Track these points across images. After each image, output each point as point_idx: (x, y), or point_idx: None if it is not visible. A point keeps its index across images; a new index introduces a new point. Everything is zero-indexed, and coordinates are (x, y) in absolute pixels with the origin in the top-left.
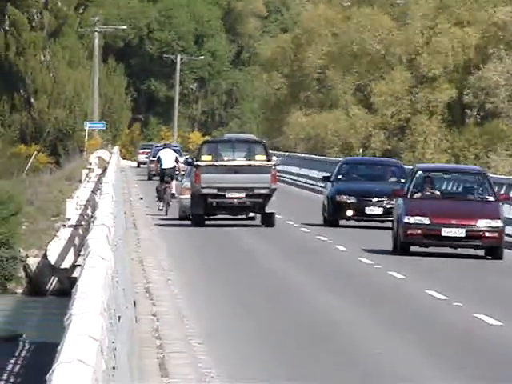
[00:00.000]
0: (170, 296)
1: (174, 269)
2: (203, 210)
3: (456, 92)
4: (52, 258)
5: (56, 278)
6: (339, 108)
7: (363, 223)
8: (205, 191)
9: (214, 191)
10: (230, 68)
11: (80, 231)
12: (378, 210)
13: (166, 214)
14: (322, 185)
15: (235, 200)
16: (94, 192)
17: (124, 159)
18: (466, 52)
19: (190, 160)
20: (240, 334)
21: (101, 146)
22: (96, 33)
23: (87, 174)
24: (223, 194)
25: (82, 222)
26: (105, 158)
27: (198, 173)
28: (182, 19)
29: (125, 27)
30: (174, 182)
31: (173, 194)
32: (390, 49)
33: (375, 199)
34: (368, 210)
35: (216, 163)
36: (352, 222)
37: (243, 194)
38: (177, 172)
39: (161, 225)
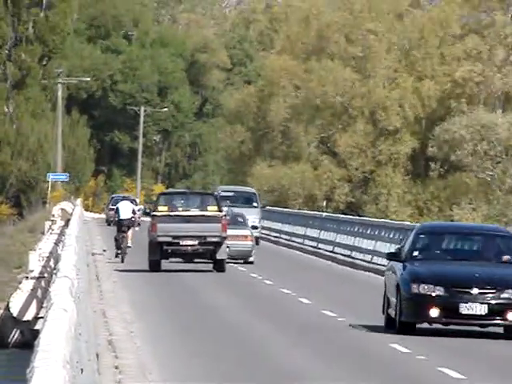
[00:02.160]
0: (132, 348)
1: (137, 321)
2: (159, 256)
3: (419, 144)
4: (14, 310)
5: (18, 331)
6: (303, 160)
7: (453, 326)
8: (160, 239)
9: (169, 239)
10: (193, 120)
11: (43, 283)
12: (480, 309)
13: (122, 262)
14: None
15: (189, 247)
16: (56, 244)
17: (87, 211)
18: (428, 105)
19: (147, 211)
20: None
21: (64, 198)
22: (59, 84)
23: (50, 226)
24: (178, 241)
25: (45, 274)
26: (68, 209)
27: (154, 222)
28: (146, 71)
29: (88, 79)
30: (130, 232)
31: (129, 247)
32: (352, 101)
33: (475, 291)
34: (464, 309)
35: (171, 213)
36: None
37: (196, 242)
38: (133, 222)
39: (122, 272)
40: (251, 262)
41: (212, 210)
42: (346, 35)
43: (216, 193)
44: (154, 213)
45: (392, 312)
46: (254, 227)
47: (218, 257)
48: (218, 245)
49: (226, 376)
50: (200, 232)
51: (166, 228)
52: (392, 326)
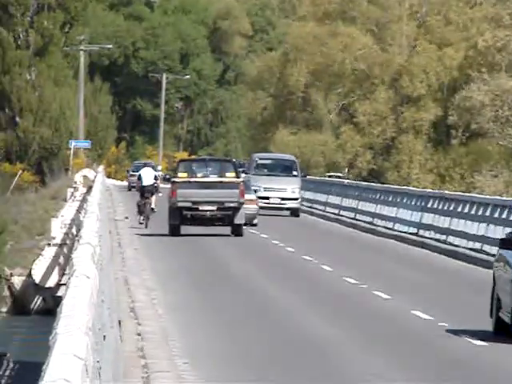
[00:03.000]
0: (154, 315)
1: (159, 288)
2: (179, 221)
3: (441, 111)
4: (37, 277)
5: (41, 297)
6: (325, 127)
7: None
8: (180, 204)
9: (189, 204)
10: (215, 87)
11: (65, 250)
12: None
13: (146, 227)
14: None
15: (207, 212)
16: (79, 211)
17: (109, 178)
18: (449, 73)
19: (168, 177)
20: (224, 355)
21: (86, 165)
22: (81, 51)
23: (72, 193)
24: (197, 207)
25: (67, 241)
26: (90, 176)
27: (174, 188)
28: (168, 38)
29: (110, 46)
30: (153, 197)
31: (152, 209)
32: (373, 68)
33: None
34: None
35: (191, 179)
36: None
37: (215, 207)
38: (156, 188)
39: (143, 236)
40: (255, 225)
41: (230, 176)
42: None
43: (253, 159)
44: (174, 179)
45: (505, 316)
46: (294, 198)
47: (236, 221)
48: (236, 210)
49: (246, 344)
50: (218, 197)
51: (185, 194)
52: (503, 332)
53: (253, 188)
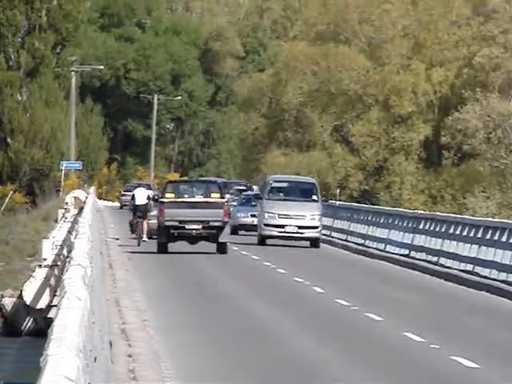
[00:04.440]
0: (145, 337)
1: (150, 309)
2: (166, 239)
3: (432, 131)
4: (28, 299)
5: (32, 319)
6: (317, 148)
7: None
8: (168, 223)
9: (176, 223)
10: (206, 108)
11: (56, 271)
12: None
13: (138, 245)
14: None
15: (193, 231)
16: (70, 232)
17: (100, 199)
18: (440, 91)
19: (156, 197)
20: (216, 378)
21: (77, 186)
22: (73, 72)
23: (63, 214)
24: (183, 225)
25: (58, 262)
26: (81, 198)
27: (162, 208)
28: (159, 59)
29: (102, 67)
30: (145, 223)
31: (144, 240)
32: (367, 89)
33: None
34: None
35: (177, 200)
36: None
37: (200, 226)
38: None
39: (133, 255)
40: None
41: (215, 196)
42: (360, 17)
43: (268, 182)
44: (162, 199)
45: None
46: (313, 227)
47: (221, 240)
48: (221, 229)
49: (239, 365)
50: (204, 217)
51: (172, 213)
52: None
53: (266, 215)
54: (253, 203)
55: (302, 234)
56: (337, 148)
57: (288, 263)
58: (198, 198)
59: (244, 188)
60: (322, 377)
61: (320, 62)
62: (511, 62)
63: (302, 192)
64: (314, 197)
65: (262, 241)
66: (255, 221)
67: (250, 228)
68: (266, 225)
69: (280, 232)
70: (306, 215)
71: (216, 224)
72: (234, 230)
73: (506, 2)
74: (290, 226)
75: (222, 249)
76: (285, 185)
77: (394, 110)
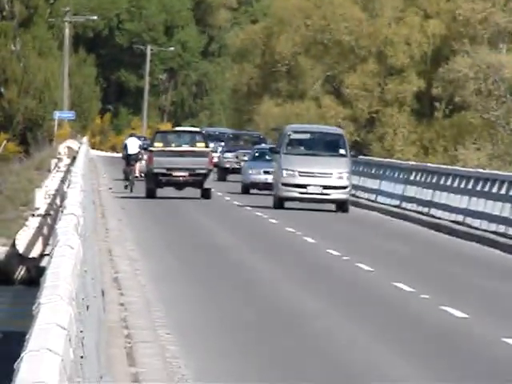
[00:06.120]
0: (138, 285)
1: (142, 258)
2: (155, 185)
3: (424, 84)
4: (20, 248)
5: (24, 267)
6: (309, 98)
7: None
8: (156, 170)
9: (164, 171)
10: (199, 59)
11: (49, 220)
12: None
13: (131, 192)
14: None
15: (180, 178)
16: (63, 181)
17: (93, 149)
18: (434, 43)
19: (145, 146)
20: (207, 325)
21: (70, 136)
22: (66, 23)
23: (56, 164)
24: (171, 172)
25: (51, 212)
26: (74, 147)
27: (151, 156)
28: (152, 10)
29: (95, 17)
30: (137, 165)
31: (136, 177)
32: (360, 41)
33: None
34: None
35: (165, 149)
36: None
37: (186, 173)
38: (140, 156)
39: (126, 198)
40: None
41: (200, 146)
42: None
43: (285, 132)
44: (151, 148)
45: None
46: (341, 187)
47: (205, 186)
48: (205, 176)
49: (230, 314)
50: (190, 165)
51: (160, 161)
52: None
53: (284, 173)
54: (267, 158)
55: (327, 195)
56: (326, 99)
57: (281, 214)
58: (185, 147)
59: (257, 140)
60: (314, 327)
61: (313, 13)
62: (499, 15)
63: (327, 145)
64: (342, 151)
65: (280, 203)
66: (269, 178)
67: (264, 187)
68: (284, 184)
69: (301, 193)
70: (332, 173)
71: (201, 171)
72: (245, 189)
73: None
74: (314, 186)
75: (206, 194)
76: (306, 136)
77: (389, 62)
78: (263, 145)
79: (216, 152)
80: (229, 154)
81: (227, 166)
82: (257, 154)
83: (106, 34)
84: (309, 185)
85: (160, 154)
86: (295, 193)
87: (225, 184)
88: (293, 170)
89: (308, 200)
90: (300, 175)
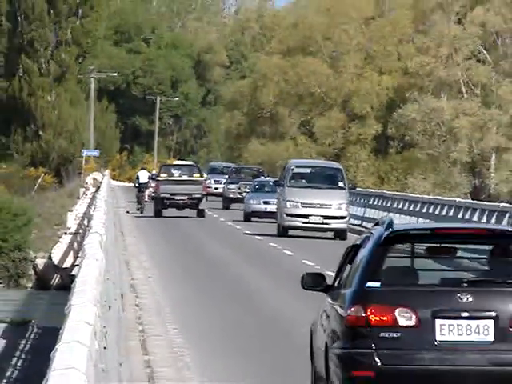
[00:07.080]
0: (150, 290)
1: (154, 268)
2: (161, 207)
3: (381, 126)
4: (55, 259)
5: (59, 276)
6: (288, 138)
7: None
8: (162, 195)
9: (168, 195)
10: (199, 107)
11: (78, 238)
12: None
13: (142, 213)
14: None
15: (181, 201)
16: (89, 206)
17: (114, 180)
18: (388, 94)
19: (153, 176)
20: (212, 327)
21: (95, 170)
22: (92, 78)
23: (84, 192)
24: (173, 197)
25: (80, 230)
26: (98, 179)
27: (158, 184)
28: (161, 68)
29: (115, 74)
30: (146, 192)
31: (146, 201)
32: (328, 92)
33: None
34: None
35: (169, 178)
36: None
37: (185, 197)
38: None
39: (139, 220)
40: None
41: (196, 176)
42: (323, 35)
43: (288, 167)
44: (158, 178)
45: None
46: (340, 217)
47: (200, 207)
48: (200, 199)
49: (231, 315)
50: (188, 191)
51: (165, 188)
52: None
53: (288, 204)
54: (266, 189)
55: (327, 224)
56: (301, 139)
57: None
58: (184, 177)
59: (256, 174)
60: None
61: (290, 71)
62: (441, 69)
63: (327, 178)
64: (340, 183)
65: (284, 232)
66: (268, 208)
67: (264, 215)
68: (288, 214)
69: (304, 223)
70: (332, 204)
71: (197, 196)
72: (247, 217)
73: (443, 19)
74: (315, 216)
75: (200, 214)
76: (307, 170)
77: (353, 111)
78: (262, 178)
79: (220, 183)
80: (232, 186)
81: (231, 195)
82: (257, 186)
83: (124, 87)
84: (310, 215)
85: (165, 183)
86: (298, 222)
87: (228, 212)
88: (296, 202)
89: (310, 229)
90: (302, 206)
